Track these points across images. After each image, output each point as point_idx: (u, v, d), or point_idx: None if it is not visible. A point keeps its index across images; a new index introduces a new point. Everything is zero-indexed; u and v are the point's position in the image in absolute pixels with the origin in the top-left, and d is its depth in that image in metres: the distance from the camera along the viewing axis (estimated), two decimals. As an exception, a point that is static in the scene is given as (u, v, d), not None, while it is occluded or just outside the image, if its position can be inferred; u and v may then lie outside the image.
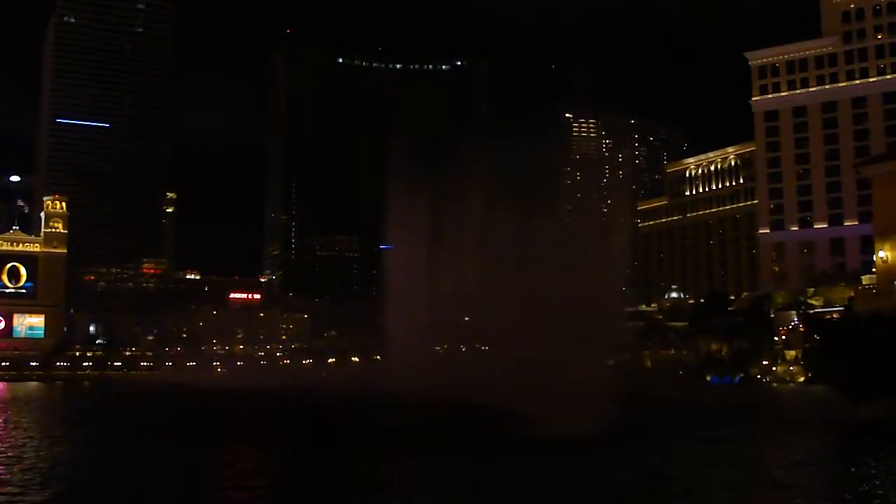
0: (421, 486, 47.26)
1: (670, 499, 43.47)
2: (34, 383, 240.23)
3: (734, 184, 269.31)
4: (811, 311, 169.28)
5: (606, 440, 59.45)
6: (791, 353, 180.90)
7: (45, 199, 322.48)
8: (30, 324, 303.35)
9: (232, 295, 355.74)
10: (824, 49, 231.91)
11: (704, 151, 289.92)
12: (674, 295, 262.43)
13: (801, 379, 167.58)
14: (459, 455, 56.72)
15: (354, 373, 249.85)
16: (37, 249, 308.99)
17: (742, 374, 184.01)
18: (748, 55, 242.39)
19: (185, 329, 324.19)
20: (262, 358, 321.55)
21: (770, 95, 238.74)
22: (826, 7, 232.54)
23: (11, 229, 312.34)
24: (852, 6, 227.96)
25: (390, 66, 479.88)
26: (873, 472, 49.91)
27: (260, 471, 54.40)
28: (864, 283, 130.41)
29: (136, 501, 44.11)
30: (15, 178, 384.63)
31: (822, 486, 47.49)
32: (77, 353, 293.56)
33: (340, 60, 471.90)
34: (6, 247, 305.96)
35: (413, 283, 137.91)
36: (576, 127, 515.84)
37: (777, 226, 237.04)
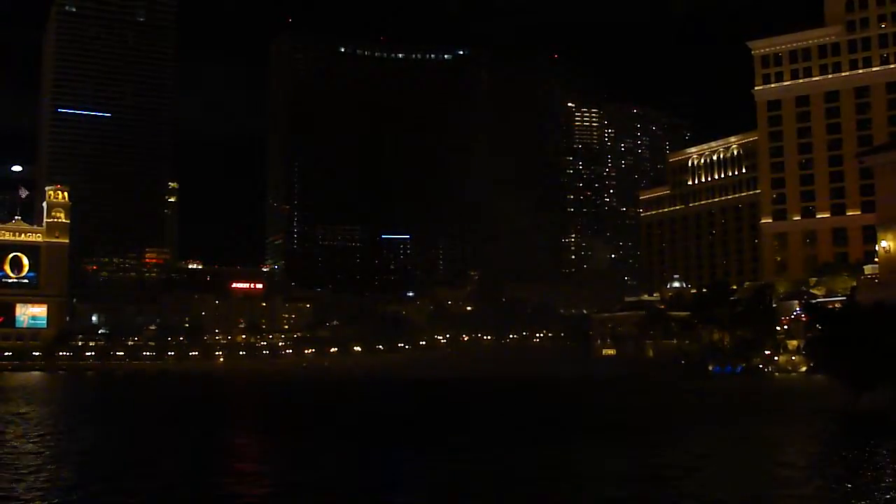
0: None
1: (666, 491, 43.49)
2: (37, 373, 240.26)
3: (736, 173, 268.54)
4: (813, 301, 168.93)
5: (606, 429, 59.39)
6: (793, 343, 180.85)
7: (47, 188, 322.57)
8: (32, 314, 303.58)
9: (234, 284, 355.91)
10: (827, 38, 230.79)
11: (707, 141, 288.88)
12: (676, 284, 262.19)
13: (804, 368, 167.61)
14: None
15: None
16: (39, 239, 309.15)
17: (744, 364, 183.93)
18: (751, 44, 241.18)
19: (187, 319, 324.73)
20: (263, 348, 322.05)
21: (773, 85, 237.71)
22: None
23: (14, 219, 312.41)
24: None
25: (392, 55, 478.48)
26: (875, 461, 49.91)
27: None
28: (866, 272, 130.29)
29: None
30: (17, 168, 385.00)
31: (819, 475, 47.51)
32: (80, 343, 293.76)
33: (342, 50, 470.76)
34: (8, 237, 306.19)
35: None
36: (577, 116, 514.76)
37: (779, 215, 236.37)
